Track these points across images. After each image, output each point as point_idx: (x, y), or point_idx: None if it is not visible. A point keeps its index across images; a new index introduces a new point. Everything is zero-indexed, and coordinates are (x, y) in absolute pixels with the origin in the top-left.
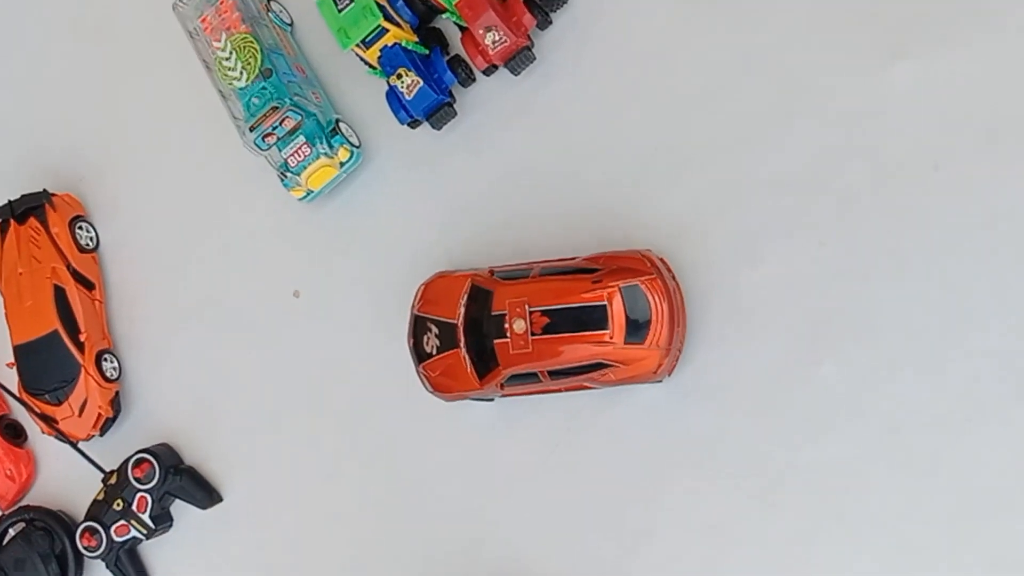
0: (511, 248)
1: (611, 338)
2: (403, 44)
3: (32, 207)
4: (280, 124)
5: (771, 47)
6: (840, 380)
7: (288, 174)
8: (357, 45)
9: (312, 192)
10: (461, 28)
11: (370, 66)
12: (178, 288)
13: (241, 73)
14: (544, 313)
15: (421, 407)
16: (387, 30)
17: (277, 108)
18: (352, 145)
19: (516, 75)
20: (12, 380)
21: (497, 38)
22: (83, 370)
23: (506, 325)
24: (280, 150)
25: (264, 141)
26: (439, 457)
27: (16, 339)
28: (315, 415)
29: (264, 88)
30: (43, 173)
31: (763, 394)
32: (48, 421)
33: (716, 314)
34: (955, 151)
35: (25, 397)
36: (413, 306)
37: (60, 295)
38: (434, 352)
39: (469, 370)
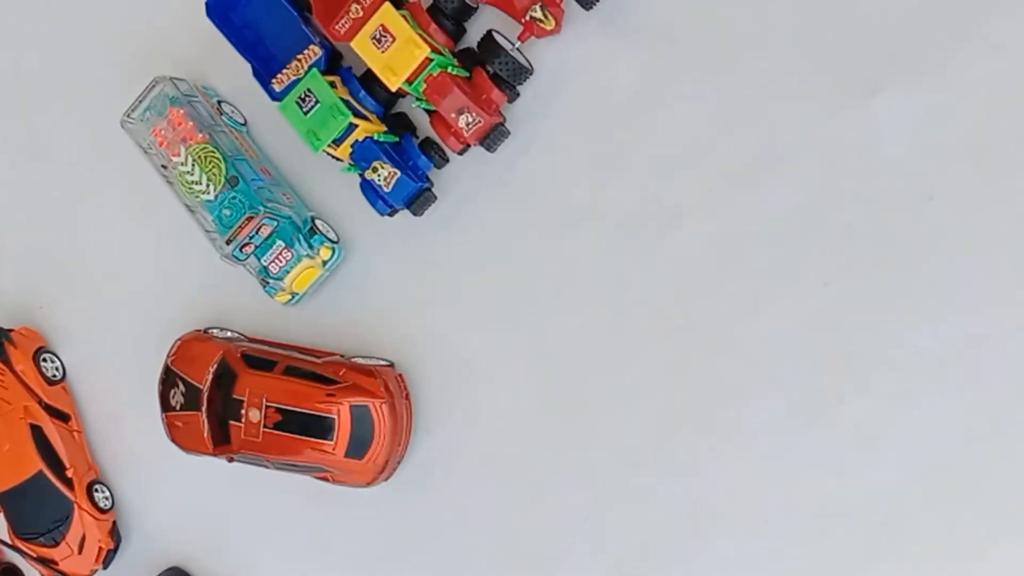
0: (511, 323)
1: (333, 449)
2: (374, 137)
3: None
4: (257, 232)
5: (747, 97)
6: (865, 413)
7: (270, 280)
8: (328, 145)
9: (297, 295)
10: (429, 112)
11: (341, 162)
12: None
13: (207, 185)
14: (278, 410)
15: None
16: (356, 126)
17: (252, 217)
18: (331, 241)
19: (492, 152)
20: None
21: (471, 119)
22: (76, 506)
23: (242, 411)
24: (259, 258)
25: (242, 252)
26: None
27: None
28: (325, 520)
29: (234, 197)
30: None
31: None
32: (47, 564)
33: None
34: (946, 178)
35: (18, 543)
36: (168, 355)
37: (37, 433)
38: (178, 407)
39: (206, 435)
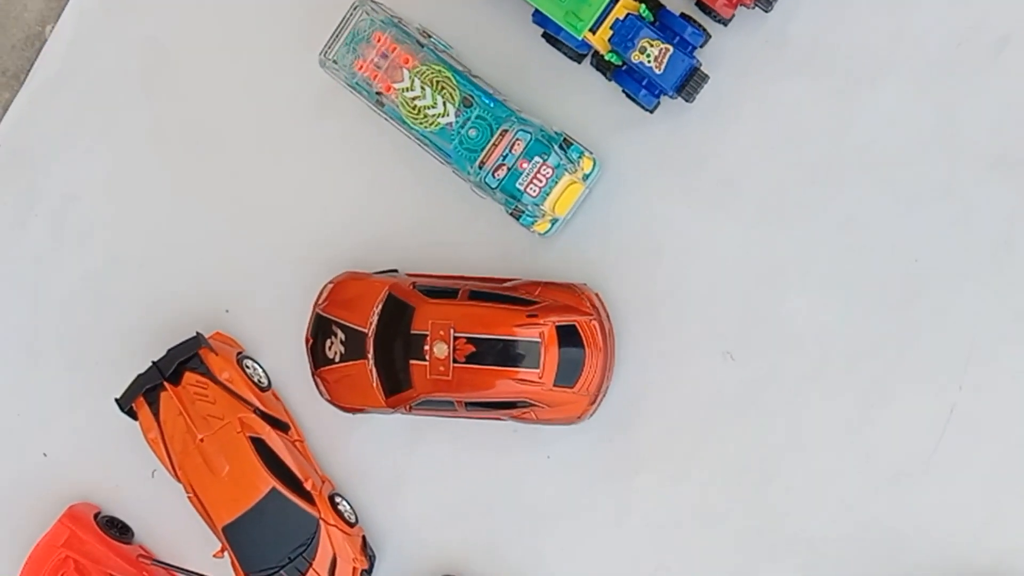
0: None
1: (540, 378)
2: (638, 12)
3: (184, 360)
4: (510, 150)
5: None
6: None
7: (528, 206)
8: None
9: (557, 220)
10: None
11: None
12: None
13: (444, 107)
14: (470, 341)
15: None
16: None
17: (506, 131)
18: (590, 152)
19: (768, 11)
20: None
21: None
22: (321, 523)
23: (426, 347)
24: (513, 182)
25: (494, 177)
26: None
27: (222, 519)
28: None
29: (478, 116)
30: (174, 321)
31: None
32: None
33: None
34: None
35: None
36: (317, 304)
37: (260, 447)
38: (336, 359)
39: (375, 385)
